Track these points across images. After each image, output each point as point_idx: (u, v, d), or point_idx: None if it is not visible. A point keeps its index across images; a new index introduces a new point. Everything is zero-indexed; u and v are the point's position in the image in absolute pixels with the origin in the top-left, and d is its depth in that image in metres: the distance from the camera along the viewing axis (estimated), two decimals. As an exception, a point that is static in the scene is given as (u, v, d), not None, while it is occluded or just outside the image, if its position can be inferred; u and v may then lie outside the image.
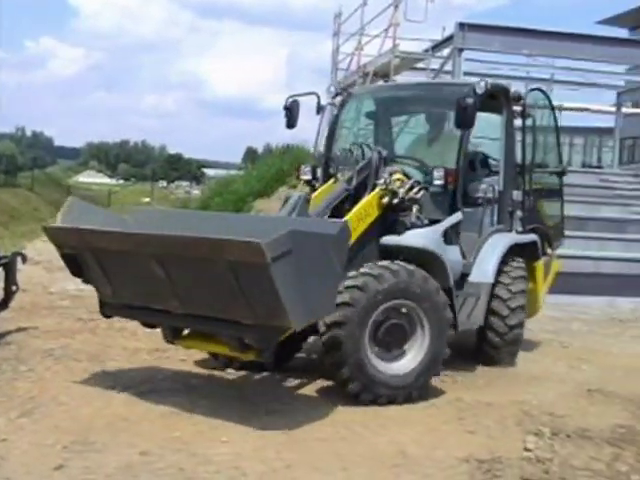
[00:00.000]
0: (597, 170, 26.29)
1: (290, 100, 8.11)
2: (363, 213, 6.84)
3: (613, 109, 26.38)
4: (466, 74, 19.90)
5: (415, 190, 7.07)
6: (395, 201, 6.96)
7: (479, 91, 7.06)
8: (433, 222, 7.17)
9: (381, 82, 20.87)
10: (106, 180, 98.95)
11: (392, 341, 6.41)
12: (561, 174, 8.97)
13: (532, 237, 8.40)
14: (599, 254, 16.51)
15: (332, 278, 5.55)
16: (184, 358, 7.65)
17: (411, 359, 6.45)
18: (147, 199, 53.15)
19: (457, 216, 7.32)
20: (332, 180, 7.58)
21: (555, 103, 27.33)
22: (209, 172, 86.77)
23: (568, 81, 25.40)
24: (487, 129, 8.18)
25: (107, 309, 6.55)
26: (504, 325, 7.70)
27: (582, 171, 25.72)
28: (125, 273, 6.03)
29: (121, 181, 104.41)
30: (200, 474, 4.71)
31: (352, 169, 7.26)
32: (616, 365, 8.64)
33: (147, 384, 6.55)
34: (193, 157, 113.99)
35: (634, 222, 18.07)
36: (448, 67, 18.25)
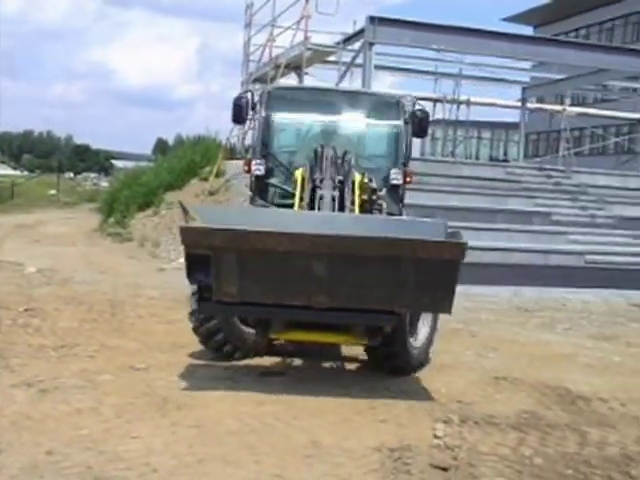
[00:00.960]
0: (504, 163, 27.03)
1: (239, 97, 8.41)
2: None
3: (519, 104, 27.15)
4: (377, 68, 20.13)
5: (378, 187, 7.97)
6: (374, 197, 7.84)
7: (412, 105, 8.36)
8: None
9: (294, 74, 20.91)
10: (9, 171, 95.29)
11: (413, 320, 7.26)
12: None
13: None
14: (507, 245, 16.99)
15: None
16: (92, 354, 7.49)
17: (421, 335, 7.38)
18: (53, 191, 51.41)
19: (404, 209, 8.45)
20: (299, 175, 7.71)
21: (463, 97, 28.06)
22: (118, 163, 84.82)
23: (476, 76, 26.02)
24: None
25: (209, 308, 6.71)
26: None
27: (490, 164, 26.44)
28: (268, 272, 6.12)
29: (25, 172, 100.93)
30: (109, 472, 4.60)
31: (329, 167, 7.57)
32: (522, 353, 8.91)
33: (52, 381, 6.37)
34: (101, 148, 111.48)
35: (539, 214, 18.67)
36: (359, 60, 18.37)
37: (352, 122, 9.10)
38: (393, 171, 8.30)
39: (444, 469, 4.93)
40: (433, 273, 5.98)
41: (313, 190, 7.42)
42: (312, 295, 6.11)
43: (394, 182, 8.29)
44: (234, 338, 7.39)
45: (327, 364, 7.83)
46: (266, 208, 7.60)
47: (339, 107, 9.04)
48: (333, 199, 7.22)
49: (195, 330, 7.42)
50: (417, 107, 8.42)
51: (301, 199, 7.41)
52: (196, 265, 6.24)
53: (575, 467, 5.10)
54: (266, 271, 6.11)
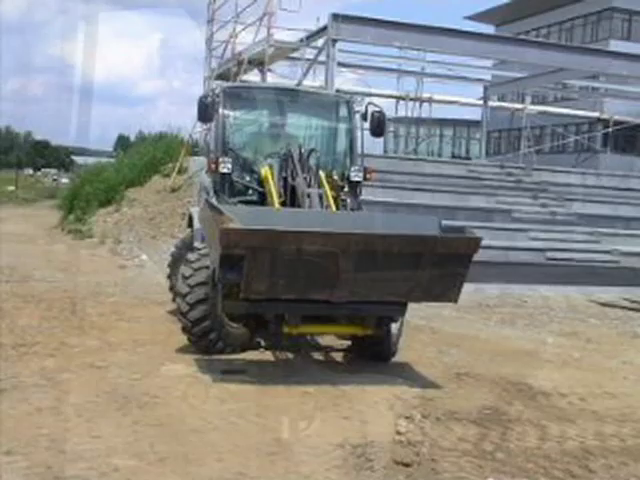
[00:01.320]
0: (466, 161, 27.28)
1: (205, 95, 8.57)
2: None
3: (480, 102, 27.39)
4: (340, 65, 20.14)
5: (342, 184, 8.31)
6: (340, 194, 8.16)
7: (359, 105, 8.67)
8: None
9: (257, 70, 20.81)
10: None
11: None
12: None
13: None
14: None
15: None
16: (52, 353, 7.38)
17: (395, 327, 7.60)
18: (12, 187, 50.67)
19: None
20: (268, 173, 7.95)
21: (425, 95, 28.25)
22: (78, 160, 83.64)
23: (438, 74, 26.20)
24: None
25: (234, 307, 6.95)
26: None
27: (452, 162, 26.64)
28: (297, 269, 6.30)
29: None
30: (70, 472, 4.55)
31: (298, 165, 7.82)
32: (483, 349, 8.98)
33: (12, 380, 6.27)
34: (62, 144, 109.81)
35: (500, 211, 18.86)
36: (322, 57, 18.37)
37: (304, 120, 9.28)
38: (353, 168, 8.52)
39: (407, 465, 4.95)
40: (448, 266, 6.46)
41: (285, 187, 7.71)
42: (334, 290, 6.38)
43: (355, 179, 8.48)
44: (225, 336, 7.50)
45: (289, 361, 7.82)
46: (287, 208, 7.69)
47: (292, 106, 9.17)
48: (320, 197, 7.46)
49: (187, 331, 7.46)
50: (374, 108, 8.60)
51: (278, 196, 7.65)
52: (229, 265, 6.35)
53: (536, 461, 5.17)
54: (295, 268, 6.31)
